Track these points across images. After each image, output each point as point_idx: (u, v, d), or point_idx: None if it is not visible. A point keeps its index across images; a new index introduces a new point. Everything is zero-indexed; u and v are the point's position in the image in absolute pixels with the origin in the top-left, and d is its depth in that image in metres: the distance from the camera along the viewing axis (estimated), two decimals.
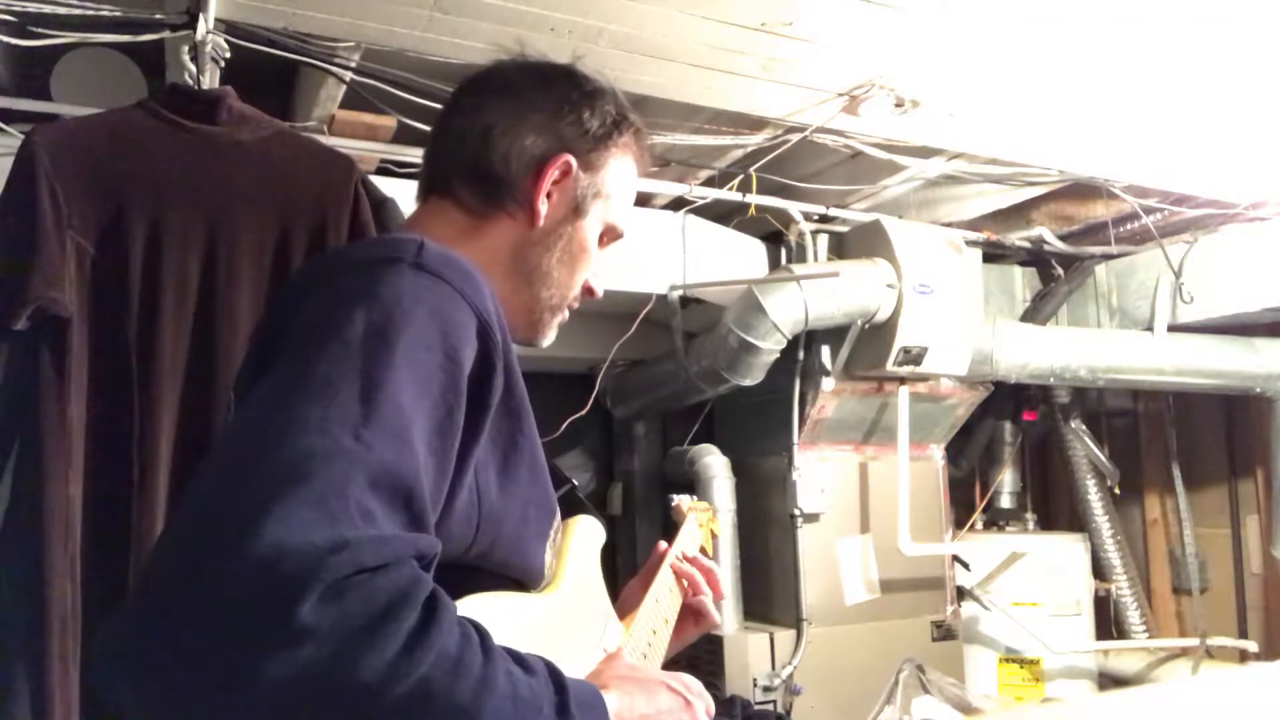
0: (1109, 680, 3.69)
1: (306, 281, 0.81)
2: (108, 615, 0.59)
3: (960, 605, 3.35)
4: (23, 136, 1.53)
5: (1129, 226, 3.41)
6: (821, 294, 2.82)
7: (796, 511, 3.05)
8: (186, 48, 1.82)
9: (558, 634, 0.88)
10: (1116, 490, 3.89)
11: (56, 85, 2.10)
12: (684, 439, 3.45)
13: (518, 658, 0.67)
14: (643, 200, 2.93)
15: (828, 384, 3.05)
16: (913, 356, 2.96)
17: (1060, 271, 3.62)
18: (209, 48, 1.82)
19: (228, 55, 1.86)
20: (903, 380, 3.10)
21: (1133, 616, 3.75)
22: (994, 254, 3.56)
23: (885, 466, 3.20)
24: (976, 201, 3.21)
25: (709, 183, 2.88)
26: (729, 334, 2.83)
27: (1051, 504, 4.28)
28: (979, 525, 3.92)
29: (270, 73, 2.10)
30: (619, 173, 0.99)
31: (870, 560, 3.15)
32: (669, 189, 2.84)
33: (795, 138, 2.59)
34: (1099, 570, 3.75)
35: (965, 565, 3.40)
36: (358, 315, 0.71)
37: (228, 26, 1.89)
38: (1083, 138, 2.67)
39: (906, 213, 3.27)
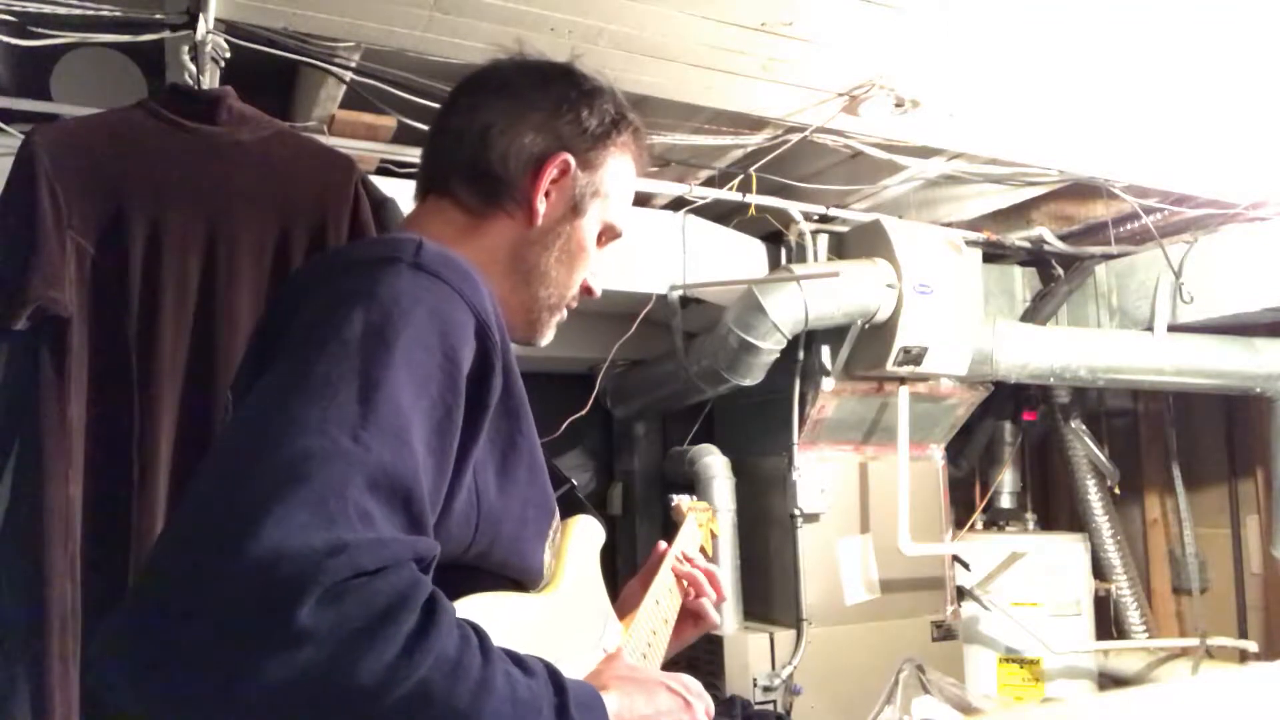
0: (1109, 680, 3.69)
1: (305, 281, 0.81)
2: (108, 615, 0.59)
3: (960, 605, 3.35)
4: (23, 136, 1.53)
5: (1129, 226, 3.41)
6: (821, 294, 2.82)
7: (796, 511, 3.05)
8: (186, 48, 1.82)
9: (557, 634, 0.88)
10: (1116, 490, 3.89)
11: (56, 85, 2.10)
12: (684, 439, 3.45)
13: (517, 659, 0.67)
14: (642, 200, 2.92)
15: (828, 384, 3.05)
16: (913, 356, 2.96)
17: (1060, 271, 3.62)
18: (209, 48, 1.82)
19: (228, 55, 1.86)
20: (903, 380, 3.10)
21: (1133, 616, 3.75)
22: (994, 254, 3.56)
23: (885, 466, 3.20)
24: (976, 201, 3.21)
25: (709, 183, 2.88)
26: (729, 334, 2.83)
27: (1051, 504, 4.28)
28: (979, 525, 3.92)
29: (270, 73, 2.10)
30: (618, 172, 0.98)
31: (870, 560, 3.15)
32: (669, 189, 2.84)
33: (795, 138, 2.58)
34: (1099, 570, 3.74)
35: (965, 565, 3.40)
36: (356, 315, 0.71)
37: (228, 26, 1.89)
38: (1083, 138, 2.67)
39: (906, 213, 3.27)
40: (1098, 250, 3.55)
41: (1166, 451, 3.92)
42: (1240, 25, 2.03)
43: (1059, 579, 3.57)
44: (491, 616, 0.72)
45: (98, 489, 1.48)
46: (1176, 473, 3.87)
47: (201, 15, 1.81)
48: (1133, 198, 3.13)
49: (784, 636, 3.00)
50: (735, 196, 2.88)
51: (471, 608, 0.75)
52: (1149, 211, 3.24)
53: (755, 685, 2.90)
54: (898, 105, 2.38)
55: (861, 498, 3.20)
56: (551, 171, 0.93)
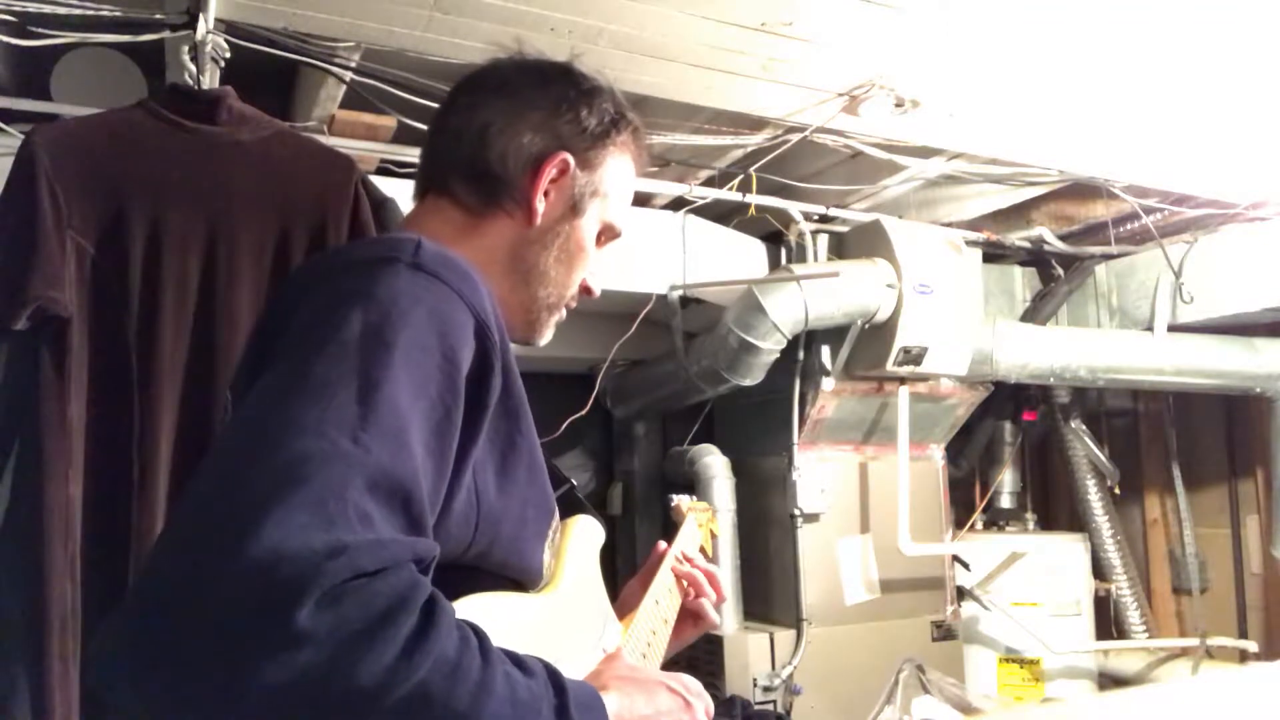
0: (1109, 680, 3.69)
1: (304, 281, 0.81)
2: (108, 615, 0.59)
3: (960, 605, 3.35)
4: (23, 136, 1.53)
5: (1129, 226, 3.41)
6: (821, 294, 2.82)
7: (796, 511, 3.05)
8: (186, 48, 1.82)
9: (557, 634, 0.88)
10: (1116, 490, 3.89)
11: (56, 85, 2.10)
12: (684, 439, 3.45)
13: (517, 660, 0.67)
14: (642, 200, 2.93)
15: (828, 384, 3.05)
16: (913, 356, 2.96)
17: (1060, 271, 3.62)
18: (209, 48, 1.82)
19: (228, 55, 1.86)
20: (903, 380, 3.10)
21: (1133, 616, 3.75)
22: (994, 254, 3.56)
23: (885, 466, 3.20)
24: (976, 201, 3.21)
25: (709, 183, 2.88)
26: (729, 334, 2.83)
27: (1051, 504, 4.28)
28: (979, 525, 3.92)
29: (270, 73, 2.10)
30: (617, 171, 0.98)
31: (870, 560, 3.15)
32: (669, 189, 2.84)
33: (795, 138, 2.58)
34: (1099, 570, 3.74)
35: (965, 565, 3.40)
36: (355, 316, 0.71)
37: (228, 26, 1.89)
38: (1083, 138, 2.67)
39: (906, 213, 3.27)
40: (1098, 250, 3.55)
41: (1166, 451, 3.92)
42: (1240, 25, 2.03)
43: (1059, 579, 3.57)
44: (491, 617, 0.72)
45: (98, 489, 1.48)
46: (1176, 473, 3.87)
47: (201, 15, 1.81)
48: (1133, 198, 3.13)
49: (784, 636, 3.00)
50: (735, 196, 2.88)
51: (471, 608, 0.75)
52: (1149, 211, 3.23)
53: (755, 685, 2.91)
54: (898, 105, 2.38)
55: (861, 498, 3.20)
56: (550, 171, 0.93)
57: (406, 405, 0.68)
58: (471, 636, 0.64)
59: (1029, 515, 3.93)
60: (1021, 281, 3.74)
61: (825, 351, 3.05)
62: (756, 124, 2.58)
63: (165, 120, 1.58)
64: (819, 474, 3.11)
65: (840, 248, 3.13)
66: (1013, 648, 3.51)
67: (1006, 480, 3.98)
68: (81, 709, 1.41)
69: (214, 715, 0.56)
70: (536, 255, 0.95)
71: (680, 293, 2.88)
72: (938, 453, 3.42)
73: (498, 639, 0.66)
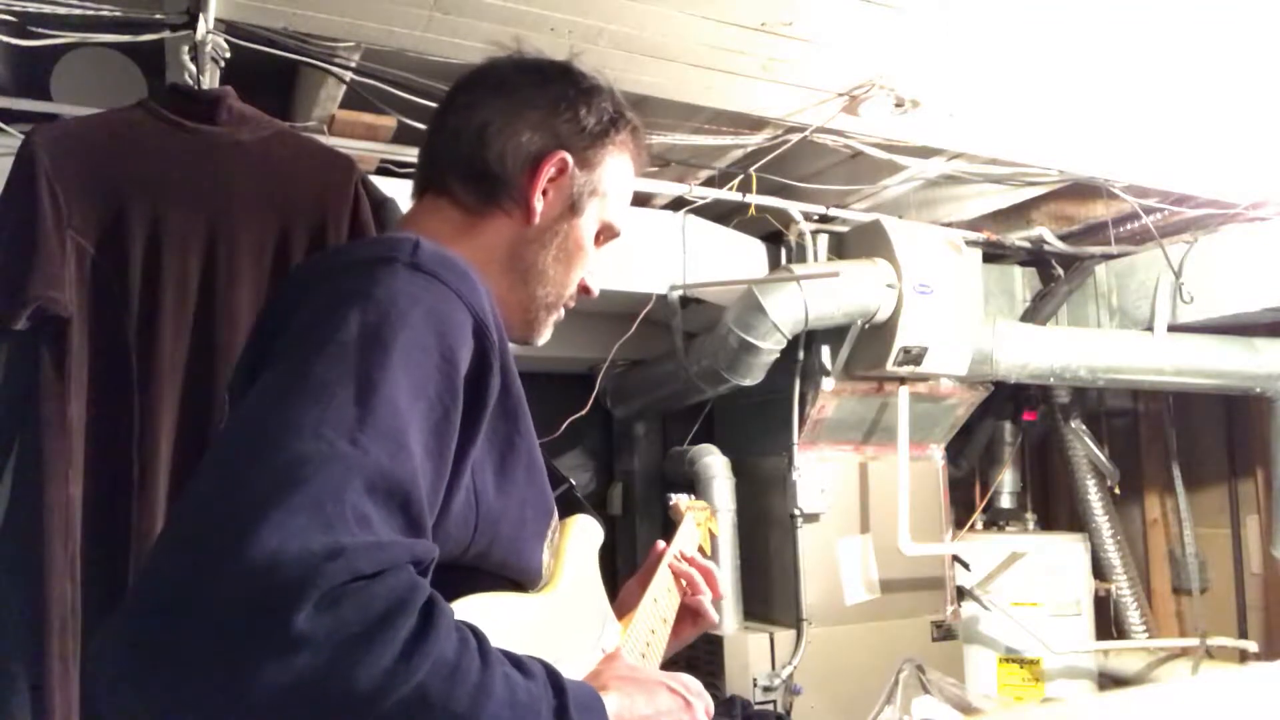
0: (1109, 680, 3.69)
1: (303, 281, 0.80)
2: (107, 616, 0.59)
3: (960, 605, 3.35)
4: (23, 136, 1.53)
5: (1129, 226, 3.41)
6: (821, 294, 2.82)
7: (796, 511, 3.05)
8: (186, 48, 1.82)
9: (556, 634, 0.88)
10: (1116, 490, 3.89)
11: (56, 85, 2.11)
12: (684, 439, 3.45)
13: (516, 661, 0.67)
14: (642, 200, 2.93)
15: (828, 384, 3.05)
16: (913, 356, 2.96)
17: (1060, 271, 3.62)
18: (209, 48, 1.82)
19: (228, 55, 1.86)
20: (903, 380, 3.10)
21: (1133, 616, 3.75)
22: (994, 254, 3.56)
23: (885, 466, 3.20)
24: (976, 201, 3.21)
25: (709, 183, 2.88)
26: (729, 334, 2.83)
27: (1051, 504, 4.28)
28: (979, 525, 3.92)
29: (270, 73, 2.10)
30: (616, 171, 0.98)
31: (870, 560, 3.15)
32: (669, 189, 2.84)
33: (795, 138, 2.58)
34: (1099, 570, 3.74)
35: (965, 565, 3.40)
36: (353, 316, 0.71)
37: (228, 26, 1.89)
38: (1083, 138, 2.66)
39: (906, 213, 3.27)
40: (1098, 250, 3.55)
41: (1166, 451, 3.92)
42: (1240, 25, 2.03)
43: (1059, 579, 3.57)
44: (490, 617, 0.72)
45: (98, 489, 1.49)
46: (1176, 473, 3.87)
47: (201, 15, 1.81)
48: (1133, 198, 3.13)
49: (784, 636, 3.00)
50: (735, 196, 2.88)
51: (470, 608, 0.75)
52: (1149, 211, 3.23)
53: (755, 685, 2.90)
54: (898, 105, 2.38)
55: (861, 498, 3.20)
56: (549, 170, 0.93)
57: (405, 406, 0.68)
58: (470, 638, 0.64)
59: (1029, 515, 3.93)
60: (1021, 281, 3.74)
61: (825, 351, 3.05)
62: (756, 124, 2.58)
63: (165, 120, 1.58)
64: (819, 474, 3.11)
65: (840, 248, 3.13)
66: (1013, 648, 3.51)
67: (1006, 480, 3.98)
68: (81, 709, 1.41)
69: (213, 716, 0.56)
70: (535, 254, 0.95)
71: (680, 293, 2.88)
72: (938, 453, 3.42)
73: (497, 640, 0.66)
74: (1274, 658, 3.47)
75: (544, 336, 1.01)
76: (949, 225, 3.27)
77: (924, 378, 3.15)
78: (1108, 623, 3.75)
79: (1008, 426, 3.94)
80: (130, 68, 2.18)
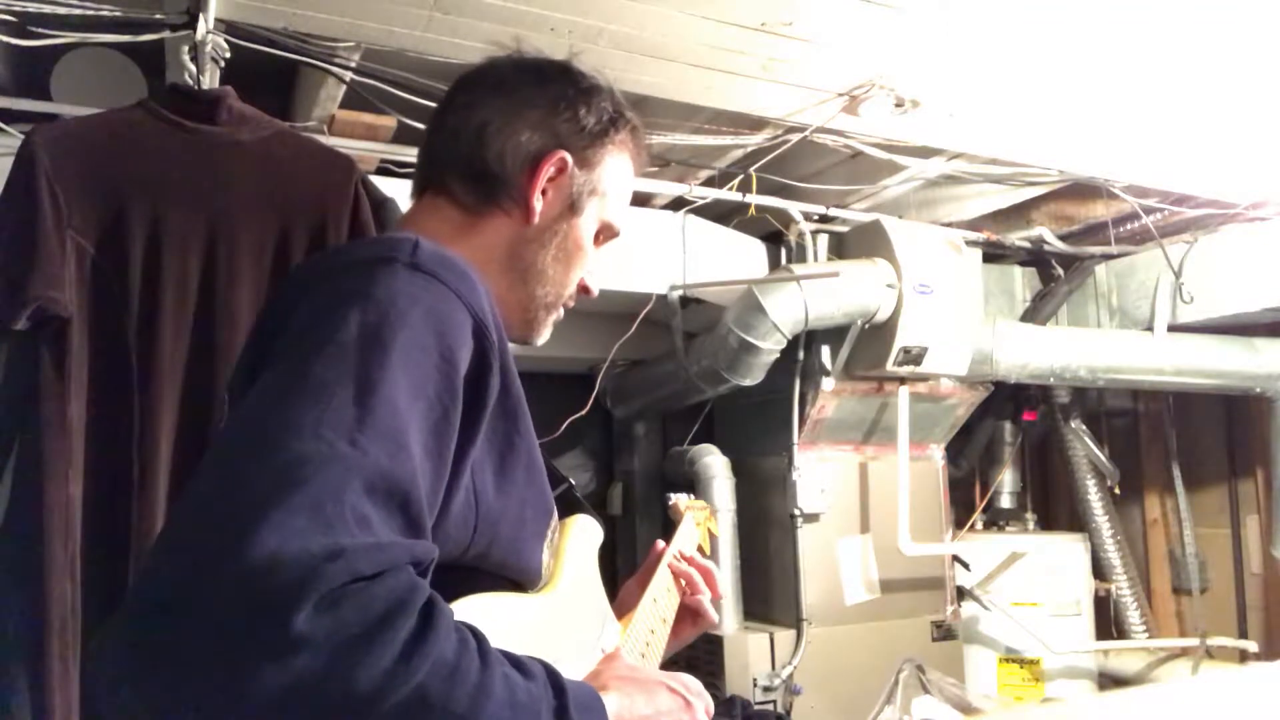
0: (1109, 680, 3.69)
1: (302, 281, 0.80)
2: (107, 616, 0.59)
3: (960, 605, 3.35)
4: (23, 136, 1.53)
5: (1129, 226, 3.41)
6: (821, 294, 2.82)
7: (796, 511, 3.05)
8: (186, 48, 1.82)
9: (556, 635, 0.88)
10: (1116, 490, 3.89)
11: (56, 85, 2.11)
12: (684, 439, 3.45)
13: (516, 662, 0.67)
14: (642, 200, 2.93)
15: (828, 384, 3.05)
16: (913, 356, 2.96)
17: (1060, 271, 3.62)
18: (209, 48, 1.82)
19: (228, 55, 1.86)
20: (903, 380, 3.10)
21: (1133, 616, 3.75)
22: (994, 254, 3.56)
23: (885, 466, 3.20)
24: (976, 201, 3.21)
25: (709, 183, 2.88)
26: (729, 334, 2.83)
27: (1051, 504, 4.28)
28: (979, 525, 3.92)
29: (270, 73, 2.10)
30: (615, 170, 0.98)
31: (870, 560, 3.15)
32: (669, 189, 2.84)
33: (795, 138, 2.58)
34: (1099, 570, 3.74)
35: (965, 565, 3.40)
36: (352, 316, 0.71)
37: (228, 26, 1.89)
38: (1083, 138, 2.66)
39: (906, 213, 3.27)
40: (1098, 250, 3.55)
41: (1166, 451, 3.92)
42: (1240, 25, 2.03)
43: (1059, 579, 3.57)
44: (490, 617, 0.73)
45: (98, 489, 1.49)
46: (1176, 473, 3.87)
47: (201, 15, 1.81)
48: (1133, 198, 3.13)
49: (784, 636, 3.00)
50: (735, 196, 2.88)
51: (469, 609, 0.75)
52: (1149, 211, 3.23)
53: (755, 685, 2.90)
54: (898, 105, 2.38)
55: (861, 498, 3.20)
56: (548, 169, 0.93)
57: (404, 406, 0.68)
58: (470, 639, 0.64)
59: (1029, 515, 3.93)
60: (1021, 281, 3.74)
61: (825, 351, 3.05)
62: (756, 124, 2.58)
63: (165, 120, 1.58)
64: (819, 474, 3.11)
65: (840, 248, 3.13)
66: (1013, 648, 3.51)
67: (1006, 480, 3.98)
68: (81, 709, 1.41)
69: (213, 717, 0.56)
70: (534, 254, 0.95)
71: (680, 293, 2.88)
72: (938, 453, 3.42)
73: (496, 640, 0.66)
74: (1274, 658, 3.47)
75: (543, 336, 1.01)
76: (949, 225, 3.27)
77: (924, 378, 3.15)
78: (1108, 623, 3.75)
79: (1008, 426, 3.94)
80: (130, 68, 2.18)
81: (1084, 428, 3.86)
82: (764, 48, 2.11)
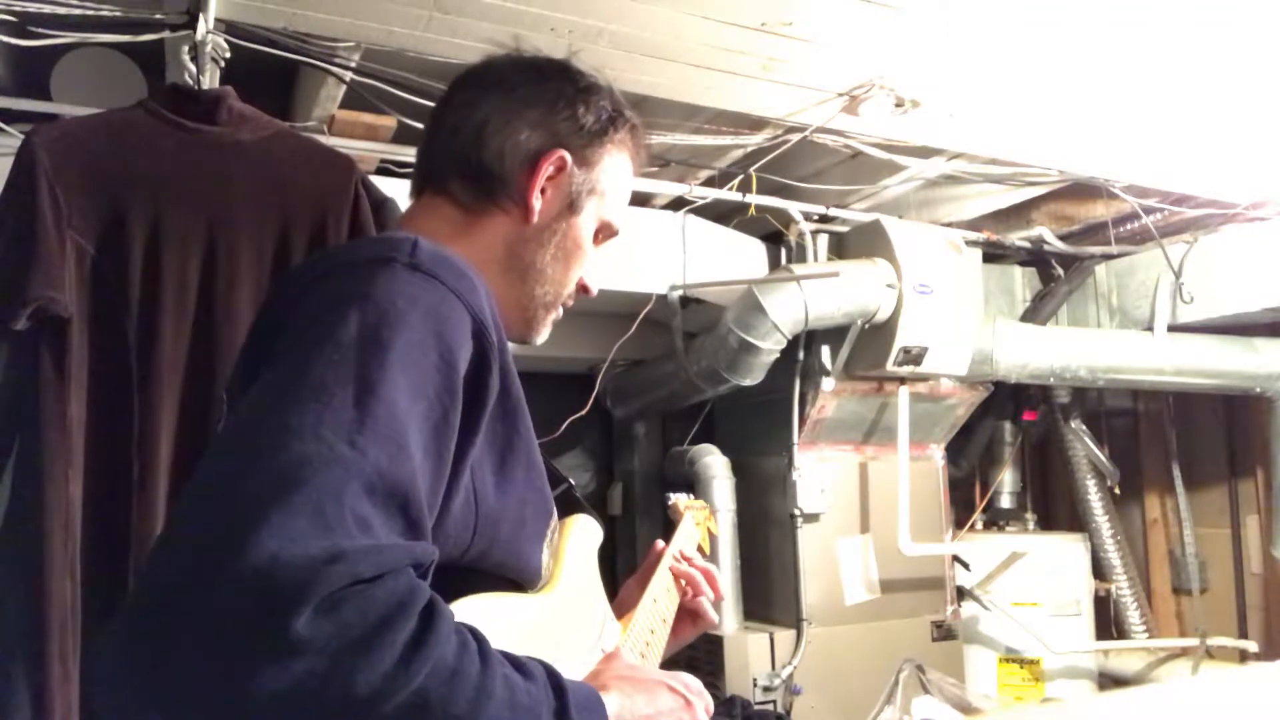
0: (1109, 680, 3.69)
1: (301, 281, 0.80)
2: (108, 616, 0.59)
3: (960, 605, 3.35)
4: (23, 136, 1.53)
5: (1129, 226, 3.41)
6: (821, 294, 2.82)
7: (796, 511, 3.05)
8: (186, 48, 1.82)
9: (555, 635, 0.88)
10: (1116, 490, 3.88)
11: (56, 85, 2.11)
12: (684, 439, 3.45)
13: (516, 663, 0.67)
14: (642, 200, 2.93)
15: (828, 384, 3.05)
16: (913, 356, 2.96)
17: (1060, 271, 3.61)
18: (209, 48, 1.82)
19: (228, 55, 1.86)
20: (903, 380, 3.10)
21: (1133, 616, 3.75)
22: (994, 254, 3.56)
23: (885, 466, 3.20)
24: (976, 201, 3.21)
25: (709, 183, 2.88)
26: (729, 334, 2.83)
27: (1051, 504, 4.28)
28: (979, 525, 3.92)
29: (270, 73, 2.10)
30: (614, 169, 0.98)
31: (870, 560, 3.15)
32: (669, 189, 2.84)
33: (795, 138, 2.58)
34: (1099, 570, 3.74)
35: (965, 565, 3.40)
36: (352, 317, 0.71)
37: (228, 26, 1.89)
38: (1083, 138, 2.66)
39: (906, 213, 3.27)
40: (1098, 250, 3.55)
41: (1166, 451, 3.92)
42: (1240, 25, 2.03)
43: (1059, 579, 3.57)
44: (489, 618, 0.72)
45: (98, 489, 1.48)
46: (1176, 473, 3.87)
47: (201, 15, 1.81)
48: (1133, 198, 3.13)
49: (784, 636, 3.00)
50: (735, 196, 2.88)
51: (469, 609, 0.75)
52: (1149, 211, 3.23)
53: (755, 685, 2.90)
54: (898, 105, 2.38)
55: (861, 498, 3.20)
56: (548, 168, 0.93)
57: (404, 407, 0.67)
58: (470, 640, 0.64)
59: (1029, 515, 3.93)
60: (1021, 281, 3.74)
61: (825, 351, 3.05)
62: (756, 124, 2.58)
63: (165, 120, 1.58)
64: (819, 474, 3.11)
65: (840, 248, 3.13)
66: (1013, 648, 3.51)
67: (1006, 480, 3.98)
68: (81, 709, 1.41)
69: (212, 719, 0.56)
70: (533, 253, 0.94)
71: (680, 293, 2.88)
72: (938, 453, 3.42)
73: (496, 640, 0.66)
74: (1274, 658, 3.46)
75: (543, 335, 1.00)
76: (949, 225, 3.27)
77: (924, 378, 3.15)
78: (1108, 623, 3.75)
79: (1008, 426, 3.94)
80: (130, 68, 2.18)
81: (1084, 428, 3.86)
82: (764, 48, 2.11)
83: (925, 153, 2.80)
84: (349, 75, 2.12)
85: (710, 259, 2.94)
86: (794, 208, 3.02)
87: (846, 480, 3.19)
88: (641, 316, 2.87)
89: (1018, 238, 3.46)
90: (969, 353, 3.09)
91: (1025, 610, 3.47)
